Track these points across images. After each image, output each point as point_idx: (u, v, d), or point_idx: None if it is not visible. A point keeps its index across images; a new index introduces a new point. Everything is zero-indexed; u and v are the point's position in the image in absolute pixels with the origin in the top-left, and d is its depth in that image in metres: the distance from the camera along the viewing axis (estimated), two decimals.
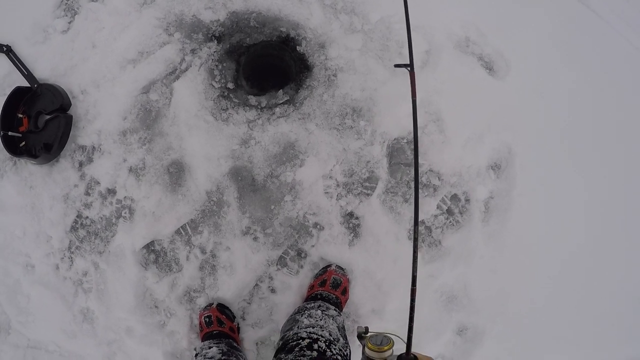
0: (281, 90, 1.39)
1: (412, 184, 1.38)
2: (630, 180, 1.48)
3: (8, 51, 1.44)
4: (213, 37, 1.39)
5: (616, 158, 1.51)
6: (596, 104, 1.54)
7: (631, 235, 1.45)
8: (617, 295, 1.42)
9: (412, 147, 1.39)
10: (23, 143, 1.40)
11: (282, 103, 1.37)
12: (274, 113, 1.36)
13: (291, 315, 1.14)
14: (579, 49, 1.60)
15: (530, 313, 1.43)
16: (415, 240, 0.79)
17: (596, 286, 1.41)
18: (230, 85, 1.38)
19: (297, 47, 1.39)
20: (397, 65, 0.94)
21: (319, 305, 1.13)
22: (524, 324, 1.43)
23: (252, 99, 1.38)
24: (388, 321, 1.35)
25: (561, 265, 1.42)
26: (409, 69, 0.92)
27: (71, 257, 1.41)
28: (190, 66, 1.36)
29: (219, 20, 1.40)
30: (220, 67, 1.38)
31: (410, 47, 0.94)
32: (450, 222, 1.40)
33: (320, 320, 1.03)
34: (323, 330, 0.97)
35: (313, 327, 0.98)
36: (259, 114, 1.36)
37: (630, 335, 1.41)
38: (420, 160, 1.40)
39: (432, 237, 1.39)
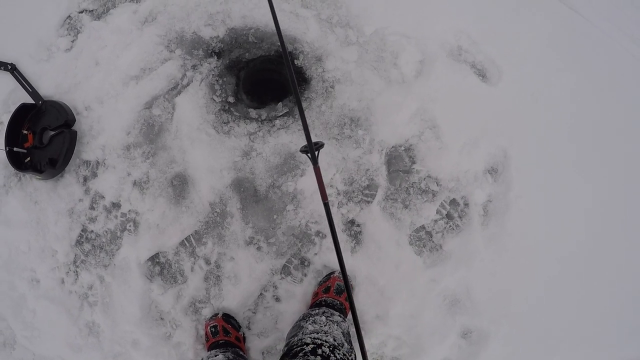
0: (280, 103, 1.43)
1: (412, 191, 1.41)
2: (628, 179, 1.51)
3: (13, 69, 1.48)
4: (213, 53, 1.43)
5: (612, 157, 1.54)
6: (590, 106, 1.59)
7: (631, 233, 1.47)
8: (618, 294, 1.44)
9: (410, 154, 1.42)
10: (28, 159, 1.43)
11: (281, 115, 1.41)
12: (274, 125, 1.39)
13: (296, 322, 1.15)
14: (571, 54, 1.65)
15: (533, 314, 1.45)
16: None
17: (597, 285, 1.43)
18: (231, 99, 1.42)
19: (295, 60, 1.43)
20: (302, 151, 0.94)
21: (324, 312, 1.15)
22: (528, 325, 1.45)
23: (253, 112, 1.41)
24: (392, 326, 1.37)
25: (562, 265, 1.44)
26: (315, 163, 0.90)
27: (76, 271, 1.43)
28: (192, 81, 1.40)
29: (218, 36, 1.44)
30: (220, 81, 1.42)
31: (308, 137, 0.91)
32: (450, 226, 1.43)
33: (325, 326, 1.05)
34: (327, 336, 0.98)
35: (317, 333, 0.99)
36: (259, 126, 1.39)
37: (632, 335, 1.42)
38: (418, 167, 1.43)
39: (432, 241, 1.41)
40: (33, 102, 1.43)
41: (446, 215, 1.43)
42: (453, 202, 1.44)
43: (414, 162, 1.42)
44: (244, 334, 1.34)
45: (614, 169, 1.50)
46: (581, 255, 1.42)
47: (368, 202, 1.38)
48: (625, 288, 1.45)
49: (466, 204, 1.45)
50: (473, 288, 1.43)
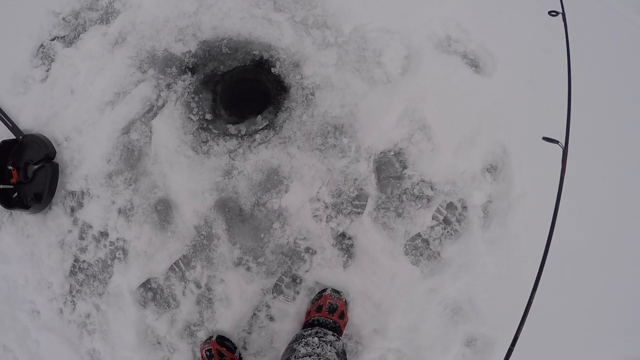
0: (260, 116, 1.37)
1: (405, 197, 1.33)
2: (633, 173, 1.39)
3: None
4: (187, 69, 1.38)
5: (618, 149, 1.42)
6: (595, 90, 1.45)
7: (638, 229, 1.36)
8: (627, 294, 1.34)
9: (401, 159, 1.34)
10: (15, 194, 1.43)
11: (262, 129, 1.35)
12: (254, 140, 1.34)
13: (289, 344, 1.12)
14: (571, 32, 1.51)
15: (540, 317, 1.36)
16: None
17: (606, 288, 1.33)
18: (209, 116, 1.37)
19: (272, 68, 1.36)
20: (545, 139, 0.85)
21: (316, 332, 1.11)
22: (536, 329, 1.36)
23: (232, 128, 1.36)
24: (392, 339, 1.32)
25: (570, 265, 1.35)
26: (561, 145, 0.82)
27: (73, 301, 1.44)
28: (167, 102, 1.36)
29: (190, 51, 1.38)
30: (196, 98, 1.37)
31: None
32: (448, 232, 1.35)
33: (317, 347, 1.01)
34: (320, 358, 0.95)
35: (310, 356, 0.96)
36: (239, 143, 1.34)
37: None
38: (410, 172, 1.35)
39: (430, 249, 1.34)
40: (14, 137, 1.43)
41: (443, 220, 1.35)
42: (450, 206, 1.35)
43: (405, 167, 1.34)
44: (240, 355, 1.32)
45: (617, 160, 1.37)
46: (590, 256, 1.32)
47: (358, 213, 1.32)
48: (636, 286, 1.35)
49: (464, 207, 1.36)
50: (476, 295, 1.35)
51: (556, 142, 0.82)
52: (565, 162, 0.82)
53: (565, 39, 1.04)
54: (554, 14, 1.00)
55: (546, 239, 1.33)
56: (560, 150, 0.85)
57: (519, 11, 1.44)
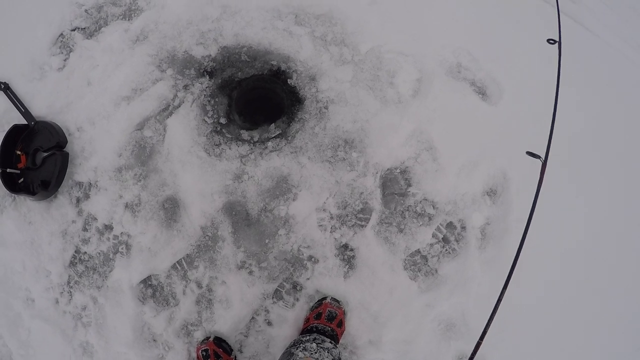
0: (273, 124, 1.40)
1: (407, 214, 1.38)
2: (631, 200, 1.46)
3: (6, 89, 1.47)
4: (205, 73, 1.41)
5: (617, 179, 1.49)
6: (596, 123, 1.53)
7: (632, 254, 1.43)
8: (621, 316, 1.40)
9: (406, 177, 1.39)
10: (21, 180, 1.43)
11: (274, 137, 1.38)
12: (266, 147, 1.37)
13: (287, 349, 1.14)
14: (574, 68, 1.59)
15: (530, 339, 1.42)
16: None
17: (599, 308, 1.39)
18: (223, 120, 1.39)
19: (288, 80, 1.40)
20: (528, 154, 0.93)
21: (314, 338, 1.13)
22: (525, 350, 1.42)
23: (245, 134, 1.39)
24: (386, 352, 1.35)
25: (562, 291, 1.41)
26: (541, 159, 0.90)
27: (70, 292, 1.43)
28: (183, 102, 1.38)
29: (210, 55, 1.41)
30: (212, 102, 1.40)
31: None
32: (446, 250, 1.40)
33: (315, 353, 1.04)
34: None
35: None
36: (251, 149, 1.37)
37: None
38: (414, 190, 1.40)
39: (428, 266, 1.38)
40: (25, 122, 1.43)
41: (442, 239, 1.40)
42: (450, 225, 1.40)
43: (409, 185, 1.39)
44: (235, 357, 1.33)
45: (615, 190, 1.45)
46: (584, 281, 1.38)
47: (362, 226, 1.36)
48: (632, 310, 1.41)
49: (463, 227, 1.41)
50: (469, 313, 1.40)
51: (538, 157, 0.91)
52: (543, 175, 0.91)
53: (557, 66, 1.14)
54: (552, 42, 1.09)
55: (540, 264, 1.40)
56: (540, 164, 0.94)
57: (528, 44, 1.52)
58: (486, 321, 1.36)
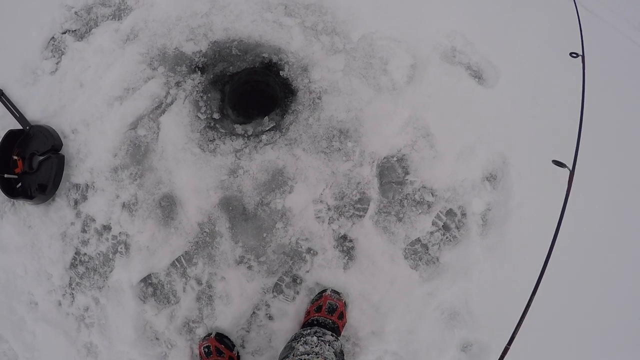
0: (267, 117, 1.39)
1: (406, 203, 1.36)
2: (632, 184, 1.43)
3: (0, 95, 1.48)
4: (196, 69, 1.40)
5: (617, 161, 1.46)
6: (596, 105, 1.49)
7: (635, 238, 1.40)
8: (623, 302, 1.37)
9: (403, 165, 1.37)
10: (19, 184, 1.43)
11: (268, 130, 1.37)
12: (260, 141, 1.36)
13: (288, 343, 1.13)
14: (572, 49, 1.56)
15: (535, 324, 1.39)
16: None
17: (602, 294, 1.36)
18: (216, 116, 1.38)
19: (280, 72, 1.38)
20: (555, 162, 0.89)
21: (315, 332, 1.12)
22: (530, 336, 1.39)
23: (239, 128, 1.38)
24: (389, 342, 1.34)
25: (566, 274, 1.38)
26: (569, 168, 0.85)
27: (72, 294, 1.44)
28: (176, 99, 1.37)
29: (201, 51, 1.41)
30: (205, 98, 1.39)
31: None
32: (447, 237, 1.38)
33: (316, 346, 1.03)
34: (318, 357, 0.97)
35: (308, 354, 0.98)
36: (245, 143, 1.36)
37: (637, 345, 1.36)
38: (411, 178, 1.38)
39: (429, 254, 1.36)
40: (21, 127, 1.43)
41: (442, 226, 1.37)
42: (450, 212, 1.38)
43: (407, 173, 1.37)
44: (237, 353, 1.33)
45: (615, 173, 1.41)
46: (586, 264, 1.35)
47: (360, 216, 1.34)
48: (633, 294, 1.38)
49: (463, 214, 1.39)
50: (472, 300, 1.38)
51: (564, 166, 0.86)
52: (571, 185, 0.86)
53: (582, 78, 1.08)
54: (575, 55, 1.04)
55: (543, 248, 1.37)
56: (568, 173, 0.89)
57: (524, 26, 1.49)
58: (489, 308, 1.35)
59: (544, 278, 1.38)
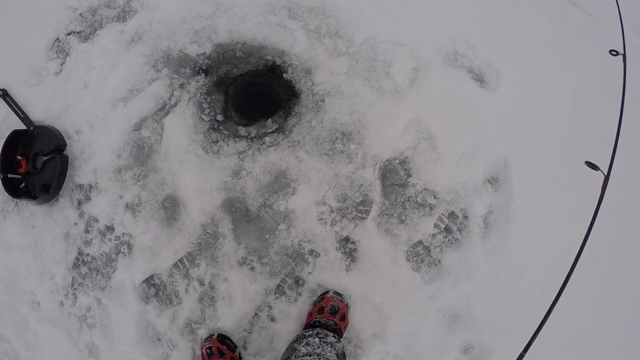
0: (270, 119, 1.40)
1: (408, 205, 1.37)
2: (634, 184, 1.44)
3: (4, 95, 1.49)
4: (200, 71, 1.41)
5: (619, 163, 1.46)
6: (597, 109, 1.50)
7: (638, 243, 1.40)
8: (625, 306, 1.38)
9: (405, 167, 1.38)
10: (23, 184, 1.44)
11: (271, 132, 1.38)
12: (263, 142, 1.36)
13: (290, 344, 1.14)
14: (573, 52, 1.57)
15: (536, 328, 1.40)
16: None
17: (604, 297, 1.36)
18: (220, 117, 1.39)
19: (284, 74, 1.39)
20: (588, 164, 0.85)
21: (317, 333, 1.13)
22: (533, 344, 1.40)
23: (242, 130, 1.39)
24: (390, 344, 1.34)
25: (567, 278, 1.38)
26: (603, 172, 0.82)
27: (75, 294, 1.44)
28: (179, 101, 1.38)
29: (205, 53, 1.41)
30: (209, 99, 1.40)
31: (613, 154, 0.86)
32: (449, 240, 1.38)
33: (318, 348, 1.03)
34: (320, 358, 0.97)
35: (310, 356, 0.98)
36: (249, 145, 1.36)
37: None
38: (414, 180, 1.39)
39: (430, 256, 1.37)
40: (25, 127, 1.44)
41: (444, 229, 1.38)
42: (451, 215, 1.39)
43: (409, 175, 1.38)
44: (239, 354, 1.33)
45: (617, 174, 1.41)
46: (588, 267, 1.35)
47: (362, 218, 1.35)
48: (635, 297, 1.38)
49: (465, 217, 1.39)
50: (474, 303, 1.38)
51: (598, 168, 0.84)
52: (605, 191, 0.83)
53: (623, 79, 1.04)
54: (615, 53, 0.98)
55: (544, 251, 1.38)
56: (602, 178, 0.85)
57: (526, 29, 1.50)
58: (490, 311, 1.35)
59: (548, 281, 1.38)
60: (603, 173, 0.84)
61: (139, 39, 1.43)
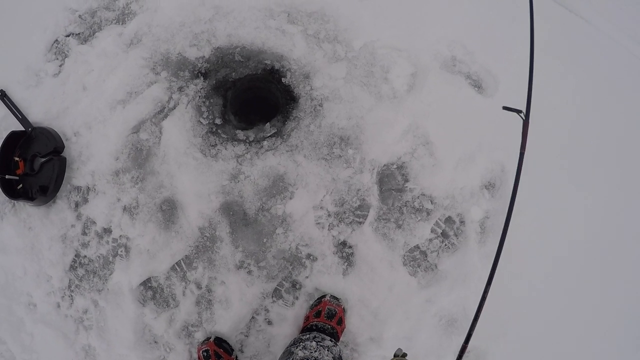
0: (268, 123, 1.40)
1: (405, 210, 1.37)
2: (631, 193, 1.45)
3: (3, 96, 1.48)
4: (199, 74, 1.41)
5: (615, 171, 1.48)
6: (594, 115, 1.52)
7: (633, 250, 1.41)
8: (622, 310, 1.39)
9: (403, 172, 1.38)
10: (20, 186, 1.44)
11: (270, 136, 1.38)
12: (262, 146, 1.37)
13: (287, 347, 1.14)
14: (570, 59, 1.58)
15: (532, 332, 1.41)
16: None
17: (599, 304, 1.38)
18: (218, 121, 1.40)
19: (282, 78, 1.40)
20: (505, 108, 0.85)
21: (314, 337, 1.13)
22: (527, 343, 1.41)
23: (240, 134, 1.39)
24: (387, 348, 1.34)
25: (563, 283, 1.39)
26: (522, 115, 0.82)
27: (71, 296, 1.44)
28: (178, 104, 1.38)
29: (204, 56, 1.42)
30: (207, 103, 1.40)
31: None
32: (445, 245, 1.39)
33: (315, 352, 1.04)
34: None
35: (307, 359, 0.98)
36: (247, 148, 1.37)
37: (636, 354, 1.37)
38: (411, 185, 1.39)
39: (427, 261, 1.38)
40: (23, 129, 1.44)
41: (441, 233, 1.39)
42: (448, 220, 1.40)
43: (407, 181, 1.38)
44: (236, 357, 1.33)
45: (617, 181, 1.43)
46: (583, 274, 1.37)
47: (360, 222, 1.35)
48: (630, 303, 1.40)
49: (462, 222, 1.40)
50: (470, 308, 1.39)
51: (519, 111, 0.84)
52: (526, 135, 0.84)
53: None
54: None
55: (540, 257, 1.39)
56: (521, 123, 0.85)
57: (523, 36, 1.50)
58: (486, 315, 1.36)
59: (544, 287, 1.40)
60: (522, 117, 0.84)
61: (138, 41, 1.43)
